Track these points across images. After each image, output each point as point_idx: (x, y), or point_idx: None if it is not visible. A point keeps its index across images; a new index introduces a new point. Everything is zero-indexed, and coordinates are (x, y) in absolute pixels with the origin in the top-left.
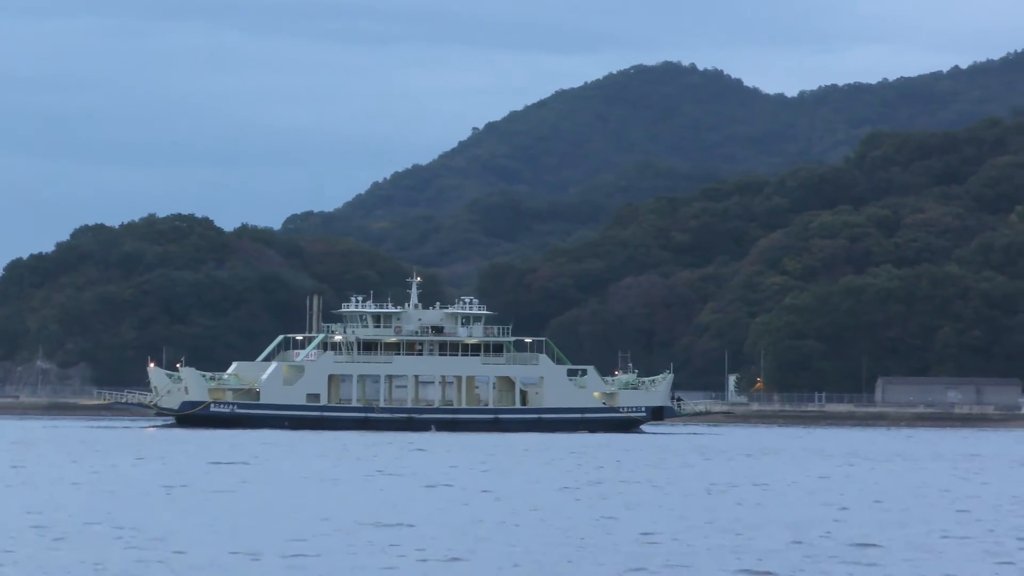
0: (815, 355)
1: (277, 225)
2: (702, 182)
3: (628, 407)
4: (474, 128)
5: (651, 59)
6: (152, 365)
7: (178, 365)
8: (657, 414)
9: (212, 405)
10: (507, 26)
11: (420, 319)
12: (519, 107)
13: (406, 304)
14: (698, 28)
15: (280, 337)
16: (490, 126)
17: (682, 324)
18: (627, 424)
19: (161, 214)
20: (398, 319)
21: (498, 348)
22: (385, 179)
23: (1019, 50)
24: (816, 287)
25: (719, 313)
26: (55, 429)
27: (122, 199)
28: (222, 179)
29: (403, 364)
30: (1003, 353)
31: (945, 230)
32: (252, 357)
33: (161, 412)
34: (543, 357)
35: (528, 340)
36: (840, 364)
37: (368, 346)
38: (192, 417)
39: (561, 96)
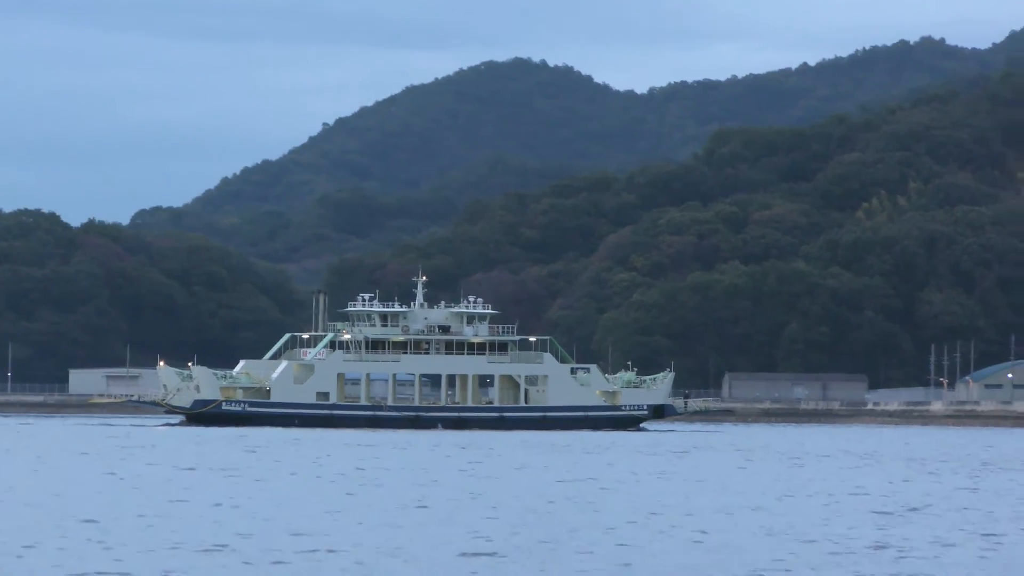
0: (663, 351)
1: (125, 220)
2: (552, 178)
3: (630, 405)
4: (324, 123)
5: (502, 55)
6: (162, 364)
7: (189, 364)
8: (658, 412)
9: (224, 403)
10: (357, 22)
11: (426, 318)
12: (369, 103)
13: (412, 303)
14: (549, 24)
15: (287, 335)
16: (340, 121)
17: (532, 320)
18: (629, 422)
19: (7, 210)
20: (404, 318)
21: (503, 347)
22: (234, 174)
23: (868, 47)
24: (664, 283)
25: (568, 309)
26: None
27: None
28: (70, 174)
29: (410, 363)
30: (849, 350)
31: (792, 227)
32: (97, 353)
33: (172, 410)
34: (547, 356)
35: (532, 339)
36: (688, 360)
37: (376, 345)
38: (204, 415)
39: (411, 92)
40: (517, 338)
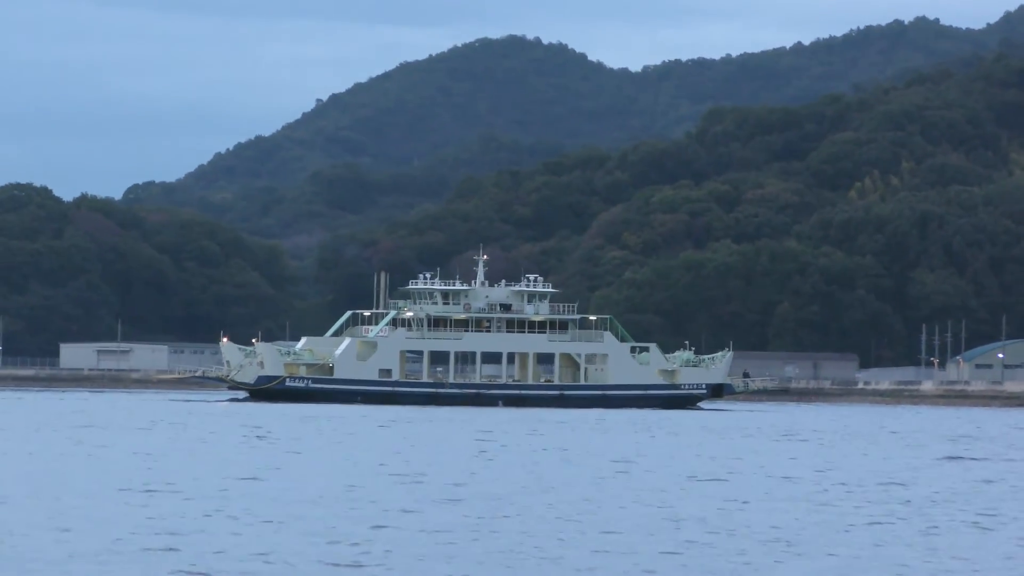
0: (654, 329)
1: (118, 195)
2: (545, 156)
3: (689, 384)
4: (318, 100)
5: (496, 32)
6: (226, 340)
7: (254, 340)
8: (716, 391)
9: (287, 380)
10: None
11: (487, 296)
12: (363, 79)
13: (473, 281)
14: (543, 2)
15: (348, 313)
16: (334, 98)
17: None
18: (688, 401)
19: None
20: (466, 296)
21: (563, 325)
22: (228, 150)
23: (861, 27)
24: (656, 261)
25: (560, 287)
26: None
27: None
28: (63, 148)
29: (472, 341)
30: (840, 328)
31: (785, 206)
32: (88, 327)
33: (236, 386)
34: (607, 334)
35: (592, 318)
36: (679, 338)
37: (437, 323)
38: (268, 391)
39: (405, 69)
40: (577, 316)
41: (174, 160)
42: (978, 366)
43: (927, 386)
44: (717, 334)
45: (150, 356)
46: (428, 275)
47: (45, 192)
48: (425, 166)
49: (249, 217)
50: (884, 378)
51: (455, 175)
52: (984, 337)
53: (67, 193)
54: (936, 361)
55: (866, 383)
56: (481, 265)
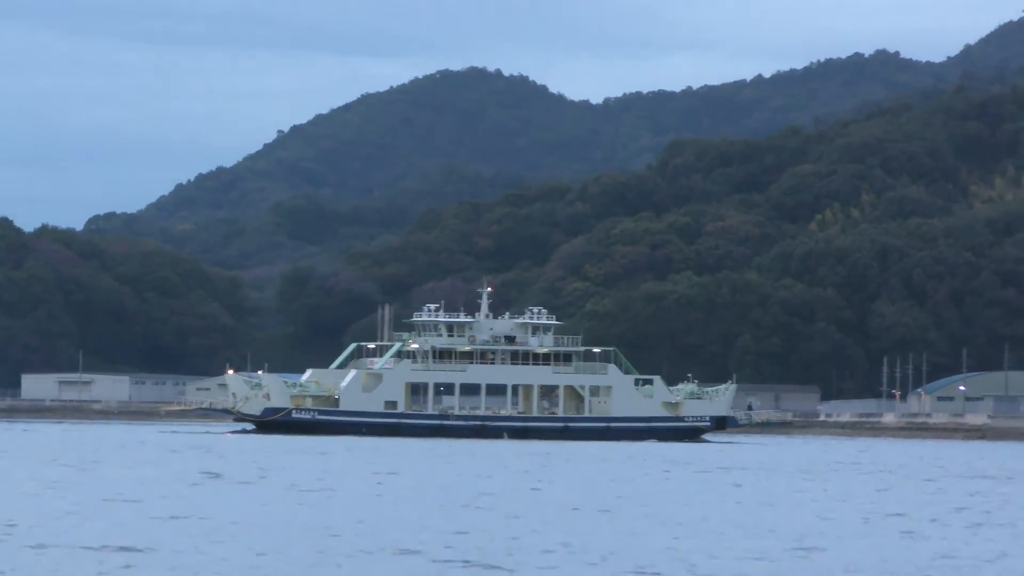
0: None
1: (79, 226)
2: (506, 187)
3: (692, 417)
4: (279, 131)
5: (457, 64)
6: (231, 371)
7: (260, 372)
8: (720, 424)
9: (294, 411)
10: (313, 29)
11: (492, 328)
12: (324, 110)
13: (477, 314)
14: (504, 34)
15: (353, 345)
16: (295, 129)
17: None
18: (691, 433)
19: None
20: (471, 328)
21: (567, 357)
22: (189, 181)
23: (822, 59)
24: (617, 293)
25: None
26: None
27: None
28: (23, 178)
29: (477, 373)
30: (801, 361)
31: (745, 238)
32: (49, 358)
33: (241, 418)
34: (611, 367)
35: (597, 350)
36: (640, 370)
37: (442, 355)
38: (274, 423)
39: (367, 100)
40: (581, 349)
41: (135, 191)
42: (940, 399)
43: (888, 418)
44: (678, 366)
45: (111, 387)
46: (433, 307)
47: (5, 223)
48: (386, 197)
49: (210, 248)
50: (846, 410)
51: (416, 206)
52: (944, 369)
53: (28, 224)
54: (897, 393)
55: (828, 415)
56: (485, 297)
